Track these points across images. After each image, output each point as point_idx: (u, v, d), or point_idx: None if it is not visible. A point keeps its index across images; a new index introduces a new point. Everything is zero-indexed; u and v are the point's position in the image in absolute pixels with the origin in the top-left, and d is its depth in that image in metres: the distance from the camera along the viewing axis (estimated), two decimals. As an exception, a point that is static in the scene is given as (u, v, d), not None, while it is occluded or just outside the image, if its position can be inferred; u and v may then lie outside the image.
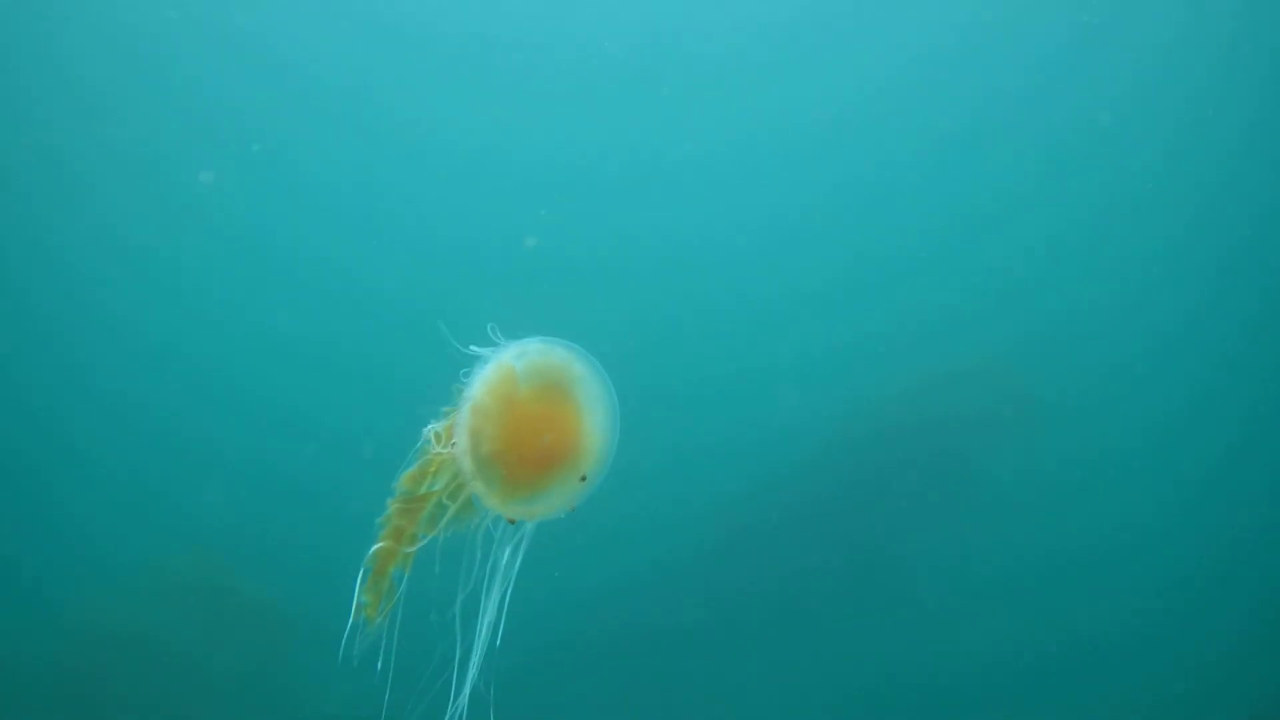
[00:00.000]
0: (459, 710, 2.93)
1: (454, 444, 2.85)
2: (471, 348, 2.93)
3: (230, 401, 10.70)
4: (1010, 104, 11.83)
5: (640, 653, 9.07)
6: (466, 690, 2.93)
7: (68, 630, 8.63)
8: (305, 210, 11.61)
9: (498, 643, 2.99)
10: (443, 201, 11.81)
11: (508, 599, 2.99)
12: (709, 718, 8.93)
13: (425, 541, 2.91)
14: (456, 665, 2.96)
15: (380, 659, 2.90)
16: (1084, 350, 11.13)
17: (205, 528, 9.58)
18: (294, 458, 10.48)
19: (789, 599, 9.24)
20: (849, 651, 9.30)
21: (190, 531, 9.50)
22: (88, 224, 10.79)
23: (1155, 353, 11.16)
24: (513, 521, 2.93)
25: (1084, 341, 11.19)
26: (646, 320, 11.03)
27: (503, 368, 2.89)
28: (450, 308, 9.72)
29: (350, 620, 2.85)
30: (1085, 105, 11.66)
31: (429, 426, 2.91)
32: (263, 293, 11.32)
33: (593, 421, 2.95)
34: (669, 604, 9.22)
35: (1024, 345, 10.85)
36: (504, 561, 2.99)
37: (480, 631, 2.97)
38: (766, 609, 9.22)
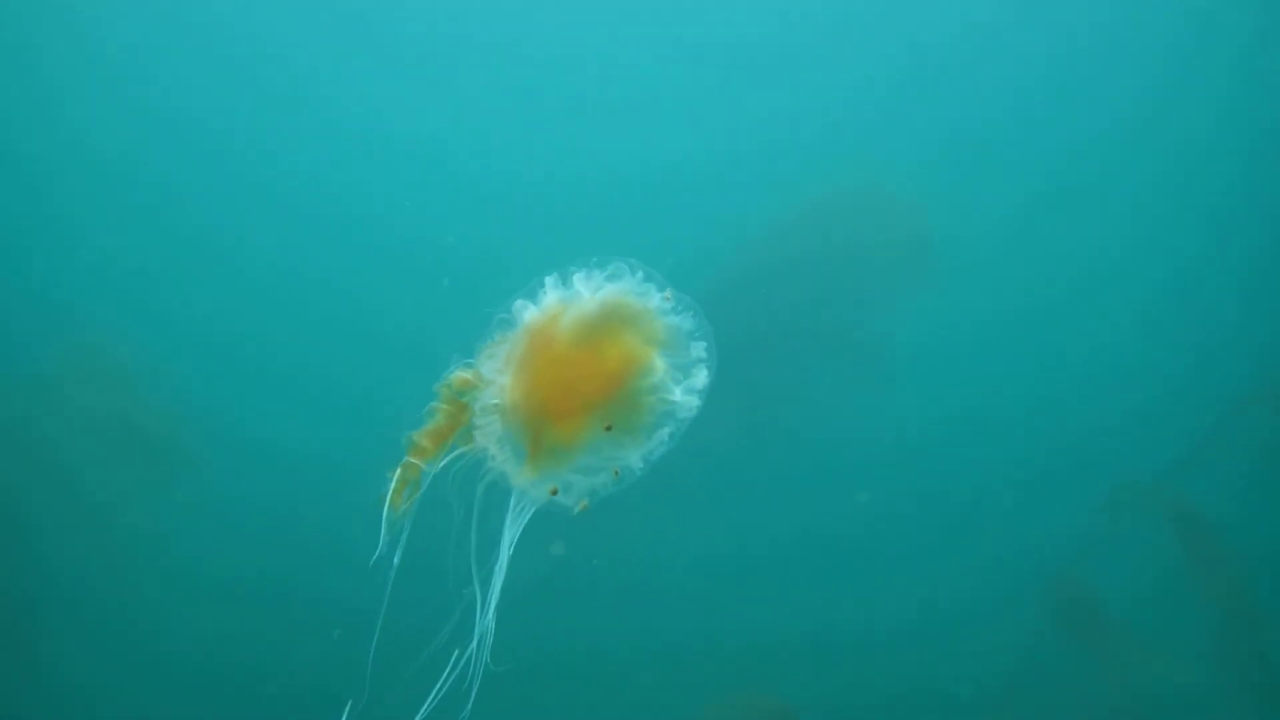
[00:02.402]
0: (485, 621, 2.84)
1: (487, 387, 2.75)
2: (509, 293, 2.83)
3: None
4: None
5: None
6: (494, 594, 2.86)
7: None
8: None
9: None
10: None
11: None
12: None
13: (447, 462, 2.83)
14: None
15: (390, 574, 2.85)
16: (984, 180, 10.71)
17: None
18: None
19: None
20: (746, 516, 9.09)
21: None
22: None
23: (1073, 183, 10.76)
24: (554, 492, 2.83)
25: (984, 169, 10.77)
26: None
27: (545, 308, 2.78)
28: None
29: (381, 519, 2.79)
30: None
31: (454, 370, 2.83)
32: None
33: (652, 363, 2.81)
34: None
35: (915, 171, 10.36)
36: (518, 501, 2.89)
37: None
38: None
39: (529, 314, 2.85)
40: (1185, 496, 8.05)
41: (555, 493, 2.80)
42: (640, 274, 2.85)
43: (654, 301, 2.85)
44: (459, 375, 2.80)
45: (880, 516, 9.48)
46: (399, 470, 2.79)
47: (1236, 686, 7.72)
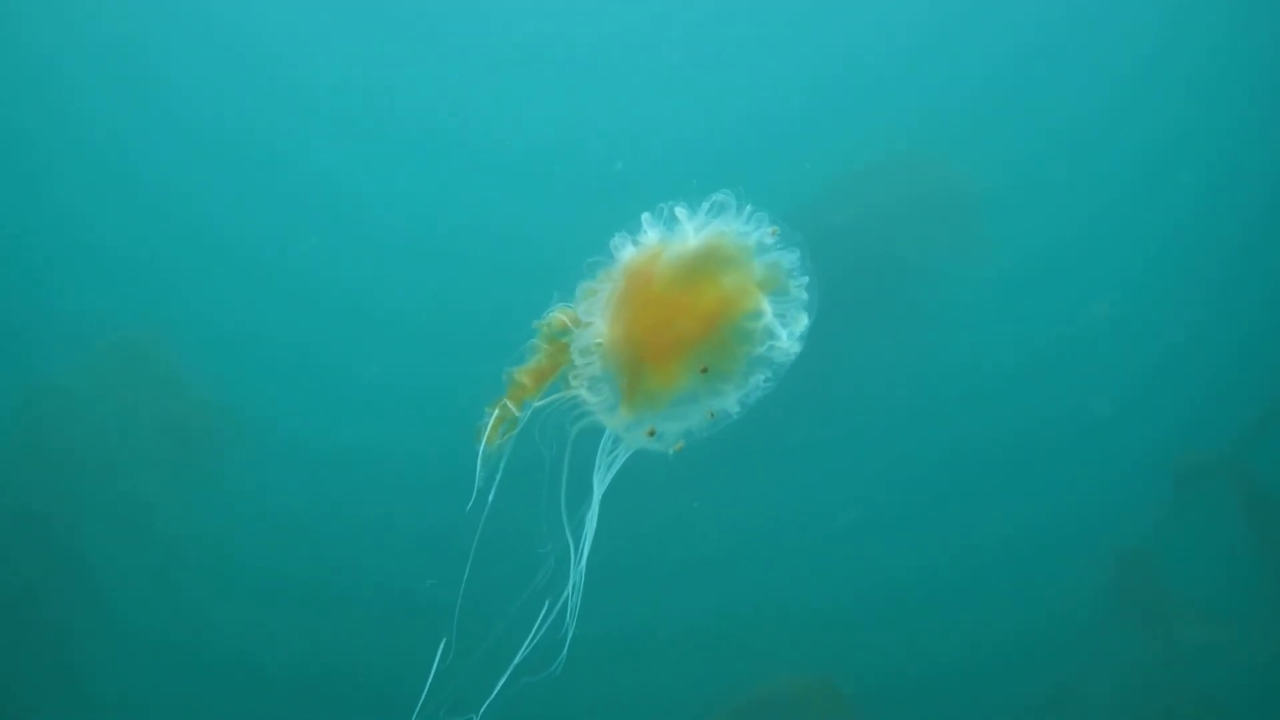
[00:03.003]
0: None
1: (585, 328, 2.69)
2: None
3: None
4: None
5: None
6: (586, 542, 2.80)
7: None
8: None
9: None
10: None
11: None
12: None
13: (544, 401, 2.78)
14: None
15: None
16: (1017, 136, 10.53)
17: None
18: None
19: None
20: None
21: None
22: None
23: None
24: (651, 434, 2.76)
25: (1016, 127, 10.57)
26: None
27: (644, 246, 2.69)
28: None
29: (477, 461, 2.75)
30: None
31: (553, 310, 2.76)
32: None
33: (754, 305, 2.71)
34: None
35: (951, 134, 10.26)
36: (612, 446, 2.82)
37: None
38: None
39: (628, 252, 2.74)
40: (1254, 471, 7.88)
41: (652, 434, 2.73)
42: (746, 208, 2.74)
43: (758, 238, 2.74)
44: (558, 314, 2.71)
45: (931, 484, 9.37)
46: (497, 407, 2.74)
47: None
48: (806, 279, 2.80)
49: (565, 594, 2.89)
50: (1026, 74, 10.93)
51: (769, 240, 2.74)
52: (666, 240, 2.72)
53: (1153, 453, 8.91)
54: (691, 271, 2.66)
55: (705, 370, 2.67)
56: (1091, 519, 8.79)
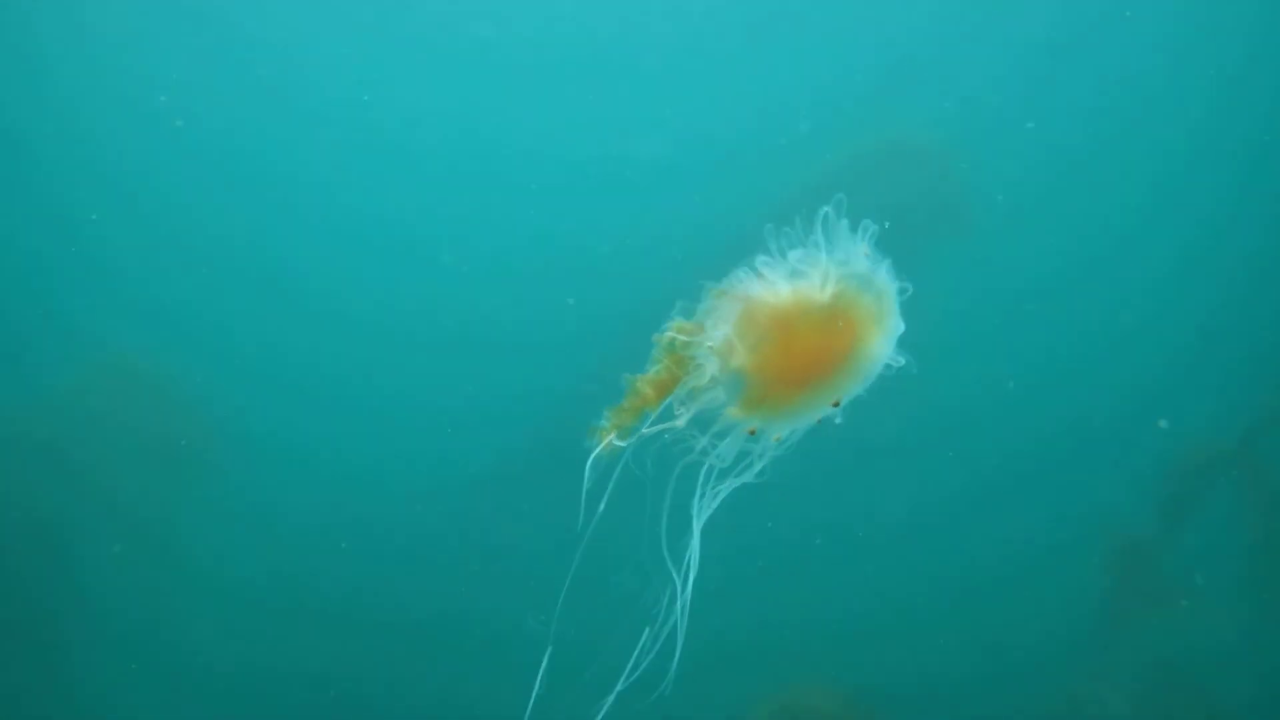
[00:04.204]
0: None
1: (712, 342, 2.67)
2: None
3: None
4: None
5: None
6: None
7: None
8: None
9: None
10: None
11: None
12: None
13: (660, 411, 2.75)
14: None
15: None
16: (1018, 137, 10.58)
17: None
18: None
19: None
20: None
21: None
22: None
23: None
24: (752, 432, 2.80)
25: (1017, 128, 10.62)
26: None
27: (797, 272, 2.68)
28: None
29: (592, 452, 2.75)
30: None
31: (672, 322, 2.74)
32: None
33: (874, 343, 2.76)
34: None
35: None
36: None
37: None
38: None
39: (751, 286, 2.71)
40: (1260, 460, 7.91)
41: (754, 432, 2.79)
42: (858, 238, 2.72)
43: (873, 272, 2.77)
44: (680, 328, 2.67)
45: (936, 479, 9.39)
46: (614, 413, 2.74)
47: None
48: (900, 298, 2.86)
49: (663, 614, 2.86)
50: (1027, 75, 10.91)
51: (874, 269, 2.77)
52: (795, 281, 2.69)
53: (1156, 451, 8.93)
54: (827, 320, 2.72)
55: (838, 404, 2.77)
56: (1095, 519, 8.82)
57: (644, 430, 2.74)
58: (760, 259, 2.72)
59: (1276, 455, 7.97)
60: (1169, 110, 10.59)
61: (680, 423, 2.72)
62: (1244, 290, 10.02)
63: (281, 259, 10.69)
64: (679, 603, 2.81)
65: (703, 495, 2.84)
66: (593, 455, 2.72)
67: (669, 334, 2.69)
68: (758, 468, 2.84)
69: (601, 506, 2.79)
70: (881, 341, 2.76)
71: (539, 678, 2.84)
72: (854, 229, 2.78)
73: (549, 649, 2.85)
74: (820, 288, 2.67)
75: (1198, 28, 10.54)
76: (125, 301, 10.08)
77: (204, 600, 8.71)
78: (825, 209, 2.77)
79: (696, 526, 2.86)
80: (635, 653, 2.85)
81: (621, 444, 2.72)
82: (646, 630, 2.86)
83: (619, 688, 2.79)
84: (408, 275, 10.83)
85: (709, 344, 2.65)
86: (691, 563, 2.84)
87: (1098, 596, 8.41)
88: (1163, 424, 8.75)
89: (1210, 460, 8.19)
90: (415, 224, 11.11)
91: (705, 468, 2.85)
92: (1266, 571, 7.85)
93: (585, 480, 2.71)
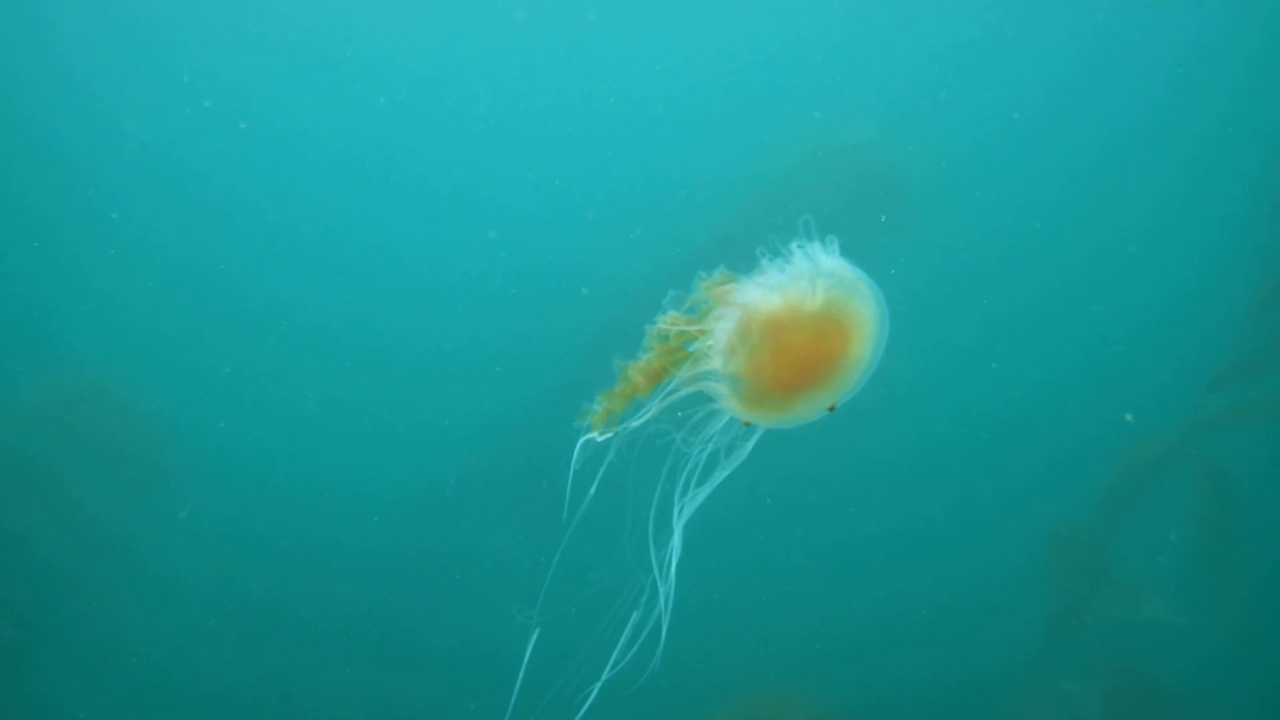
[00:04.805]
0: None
1: (710, 341, 2.70)
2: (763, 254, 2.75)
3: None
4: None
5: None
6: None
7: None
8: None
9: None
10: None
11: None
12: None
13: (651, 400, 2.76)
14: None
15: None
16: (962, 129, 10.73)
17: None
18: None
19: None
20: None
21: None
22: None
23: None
24: (747, 424, 2.83)
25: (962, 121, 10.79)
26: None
27: (789, 281, 2.71)
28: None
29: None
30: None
31: (667, 315, 2.74)
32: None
33: (862, 349, 2.81)
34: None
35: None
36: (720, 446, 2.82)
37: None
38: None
39: (744, 294, 2.74)
40: (1207, 451, 8.00)
41: (749, 424, 2.83)
42: (837, 253, 2.79)
43: (858, 280, 2.82)
44: (674, 321, 2.69)
45: (882, 466, 9.51)
46: (605, 397, 2.73)
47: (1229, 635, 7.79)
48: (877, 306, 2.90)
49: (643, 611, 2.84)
50: (977, 68, 11.14)
51: (859, 278, 2.82)
52: (786, 290, 2.73)
53: (1102, 444, 9.00)
54: (819, 327, 2.76)
55: (832, 408, 2.83)
56: (1041, 514, 8.89)
57: (631, 424, 2.74)
58: (751, 271, 2.77)
59: (1221, 445, 8.08)
60: (1118, 105, 10.80)
61: (665, 416, 2.73)
62: (1190, 284, 10.24)
63: (247, 275, 10.69)
64: (659, 602, 2.79)
65: (685, 494, 2.83)
66: (582, 438, 2.71)
67: (662, 324, 2.71)
68: (734, 466, 2.86)
69: (587, 500, 2.77)
70: (869, 346, 2.81)
71: (521, 672, 2.79)
72: (823, 241, 2.83)
73: (532, 640, 2.81)
74: (810, 295, 2.71)
75: (1143, 22, 10.78)
76: (92, 317, 10.06)
77: (166, 613, 8.63)
78: (803, 218, 2.82)
79: (677, 525, 2.85)
80: (614, 652, 2.82)
81: (609, 433, 2.71)
82: (626, 629, 2.83)
83: (595, 689, 2.76)
84: (371, 291, 10.83)
85: (704, 339, 2.67)
86: (671, 561, 2.83)
87: (1046, 591, 8.44)
88: (1128, 418, 8.90)
89: (1156, 452, 8.26)
90: (381, 242, 11.12)
91: (689, 466, 2.85)
92: (1211, 561, 7.93)
93: (572, 464, 2.70)
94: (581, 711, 2.83)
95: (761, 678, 8.39)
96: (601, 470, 2.76)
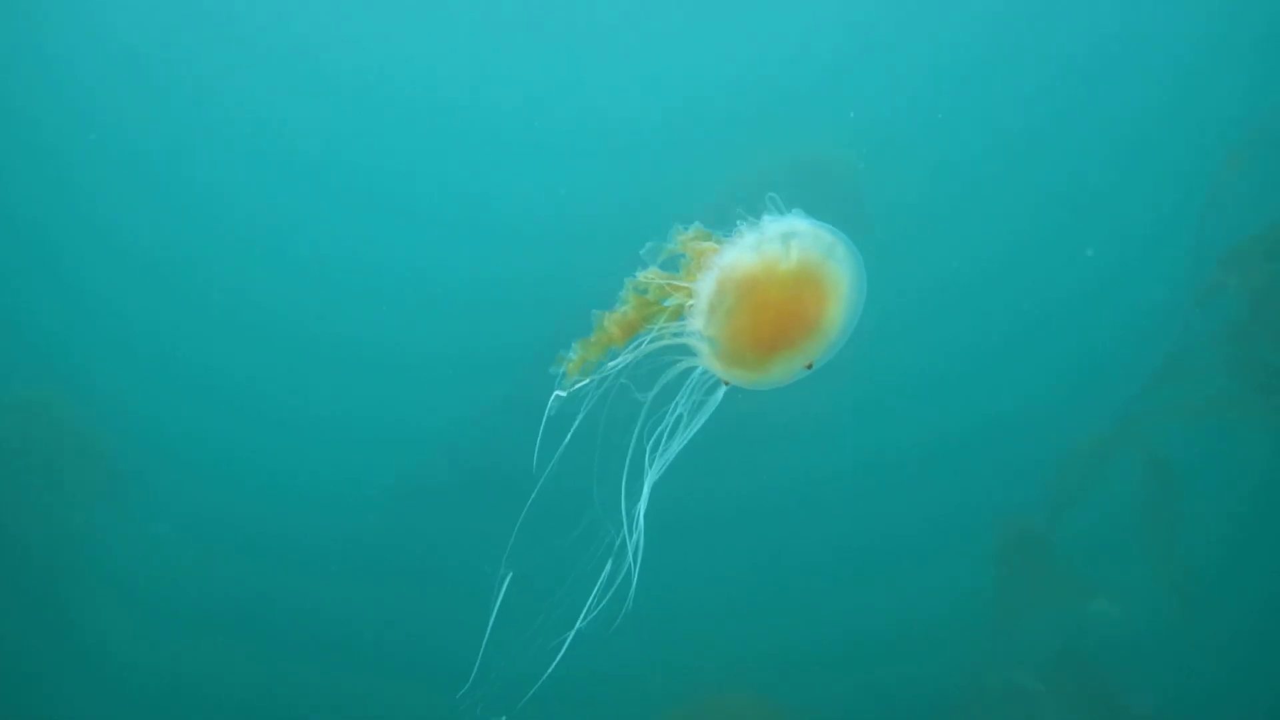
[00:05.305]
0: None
1: (690, 299, 2.75)
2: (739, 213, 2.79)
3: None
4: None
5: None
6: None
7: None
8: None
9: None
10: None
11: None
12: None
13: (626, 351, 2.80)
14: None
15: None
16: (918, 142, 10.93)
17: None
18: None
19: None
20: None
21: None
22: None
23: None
24: (726, 384, 2.88)
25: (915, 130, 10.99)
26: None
27: (764, 241, 2.75)
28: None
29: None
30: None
31: (646, 270, 2.77)
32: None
33: (837, 311, 2.86)
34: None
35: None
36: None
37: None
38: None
39: (721, 255, 2.78)
40: (1150, 442, 8.15)
41: (728, 385, 2.88)
42: (810, 219, 2.85)
43: (834, 240, 2.87)
44: (652, 275, 2.73)
45: (830, 472, 9.65)
46: (580, 347, 2.77)
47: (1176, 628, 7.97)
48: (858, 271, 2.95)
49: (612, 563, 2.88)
50: (926, 87, 11.40)
51: (835, 238, 2.87)
52: (761, 248, 2.77)
53: (1044, 439, 9.17)
54: (796, 286, 2.80)
55: (810, 366, 2.87)
56: (984, 511, 9.00)
57: (604, 375, 2.77)
58: (724, 231, 2.80)
59: (1164, 439, 8.27)
60: (1052, 96, 11.13)
61: (638, 370, 2.78)
62: (1128, 278, 10.47)
63: (201, 269, 10.64)
64: (626, 560, 2.84)
65: (655, 451, 2.88)
66: (556, 387, 2.75)
67: (641, 278, 2.75)
68: (701, 423, 2.90)
69: (556, 455, 2.81)
70: (846, 306, 2.86)
71: (491, 619, 2.82)
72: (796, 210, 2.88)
73: (503, 588, 2.84)
74: (786, 254, 2.76)
75: (1075, 13, 11.08)
76: (63, 311, 10.00)
77: (120, 613, 8.61)
78: (770, 196, 2.88)
79: (647, 484, 2.89)
80: (584, 608, 2.86)
81: (584, 382, 2.75)
82: (595, 587, 2.87)
83: (563, 646, 2.80)
84: (323, 289, 10.76)
85: (681, 296, 2.72)
86: (639, 519, 2.87)
87: (991, 587, 8.58)
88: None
89: (1098, 446, 8.40)
90: (345, 239, 11.10)
91: (662, 422, 2.89)
92: (1156, 554, 8.10)
93: (545, 414, 2.74)
94: (554, 663, 2.87)
95: (715, 682, 8.46)
96: (575, 424, 2.79)
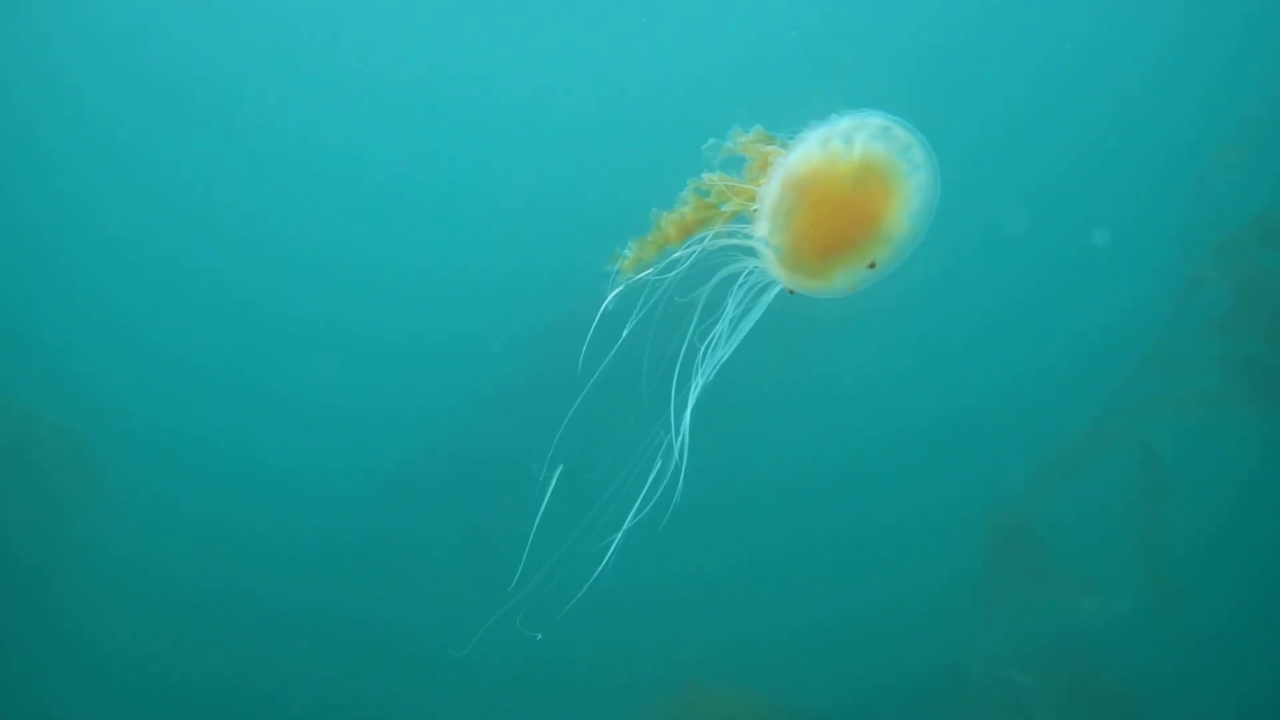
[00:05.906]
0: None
1: (752, 204, 2.70)
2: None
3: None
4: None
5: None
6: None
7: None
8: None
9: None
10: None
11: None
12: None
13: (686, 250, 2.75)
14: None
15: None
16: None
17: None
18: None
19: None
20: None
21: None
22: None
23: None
24: (791, 292, 2.82)
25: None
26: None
27: (829, 137, 2.68)
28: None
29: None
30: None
31: (711, 173, 2.74)
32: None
33: (902, 213, 2.79)
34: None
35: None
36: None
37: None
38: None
39: (790, 156, 2.72)
40: (1142, 434, 8.18)
41: (793, 292, 2.81)
42: (891, 123, 2.79)
43: (906, 143, 2.80)
44: (716, 179, 2.70)
45: (815, 464, 9.67)
46: (637, 244, 2.73)
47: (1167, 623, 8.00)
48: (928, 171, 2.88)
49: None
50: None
51: (909, 138, 2.80)
52: (826, 144, 2.71)
53: (1033, 430, 9.26)
54: (859, 181, 2.72)
55: (873, 265, 2.78)
56: (970, 500, 9.03)
57: (657, 275, 2.74)
58: (787, 132, 2.74)
59: (1151, 429, 8.26)
60: (1036, 82, 11.20)
61: (694, 272, 2.75)
62: (1114, 266, 10.43)
63: (191, 257, 10.51)
64: (674, 455, 2.82)
65: (706, 354, 2.85)
66: (611, 282, 2.71)
67: (705, 181, 2.70)
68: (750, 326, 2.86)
69: (612, 352, 2.79)
70: (913, 210, 2.78)
71: (536, 521, 2.80)
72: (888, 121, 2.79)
73: (551, 484, 2.82)
74: (848, 149, 2.68)
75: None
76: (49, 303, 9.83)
77: (103, 602, 8.49)
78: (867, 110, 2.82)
79: (694, 388, 2.87)
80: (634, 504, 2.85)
81: (638, 278, 2.72)
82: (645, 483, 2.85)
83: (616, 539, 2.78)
84: (312, 276, 10.68)
85: (742, 200, 2.68)
86: (686, 418, 2.85)
87: (979, 578, 8.60)
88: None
89: (1086, 437, 8.42)
90: (324, 229, 10.99)
91: (713, 325, 2.86)
92: (1143, 545, 8.12)
93: (601, 307, 2.70)
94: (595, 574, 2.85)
95: (699, 671, 8.38)
96: (628, 327, 2.77)
